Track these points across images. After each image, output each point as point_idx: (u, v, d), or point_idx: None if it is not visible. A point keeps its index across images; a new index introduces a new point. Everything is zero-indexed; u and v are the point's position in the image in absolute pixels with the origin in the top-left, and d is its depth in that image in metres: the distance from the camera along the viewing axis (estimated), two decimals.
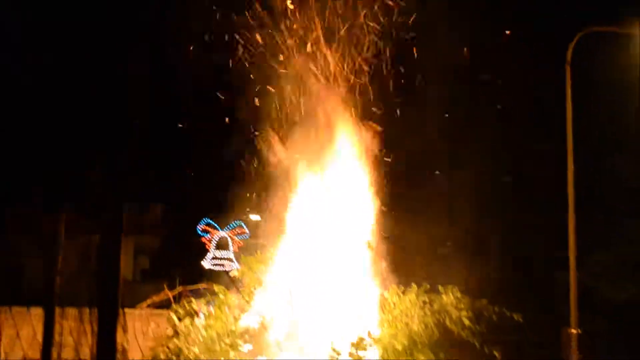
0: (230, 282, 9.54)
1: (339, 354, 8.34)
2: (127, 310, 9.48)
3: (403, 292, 9.58)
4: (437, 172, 15.65)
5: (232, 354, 9.10)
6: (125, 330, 8.72)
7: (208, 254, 35.87)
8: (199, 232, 36.44)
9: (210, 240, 36.59)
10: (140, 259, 36.14)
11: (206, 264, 35.21)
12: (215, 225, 36.56)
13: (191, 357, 8.94)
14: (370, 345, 8.51)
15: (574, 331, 17.06)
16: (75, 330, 14.00)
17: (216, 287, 9.66)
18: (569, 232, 17.44)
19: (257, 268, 9.04)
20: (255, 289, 8.95)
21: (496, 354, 9.28)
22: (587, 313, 17.87)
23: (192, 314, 9.43)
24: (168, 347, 9.06)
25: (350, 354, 8.37)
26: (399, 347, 9.01)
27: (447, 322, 9.31)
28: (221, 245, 35.72)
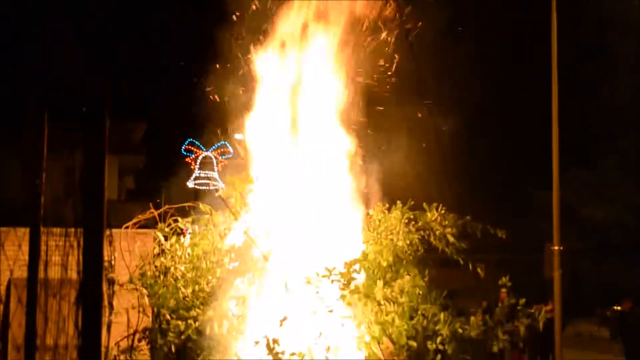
0: (218, 202, 9.50)
1: (330, 272, 8.34)
2: (113, 230, 9.41)
3: (388, 210, 9.61)
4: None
5: (218, 271, 9.15)
6: (111, 250, 8.69)
7: (193, 173, 35.88)
8: (183, 152, 36.43)
9: (194, 160, 36.59)
10: (126, 179, 36.16)
11: (191, 183, 35.32)
12: (200, 145, 36.53)
13: (177, 275, 8.98)
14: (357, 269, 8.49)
15: (556, 248, 17.43)
16: (62, 250, 13.98)
17: (202, 206, 9.62)
18: (552, 149, 17.63)
19: (241, 187, 8.99)
20: (240, 208, 8.92)
21: (480, 270, 9.35)
22: (568, 231, 18.19)
23: (178, 232, 9.43)
24: (155, 266, 9.08)
25: (341, 274, 8.37)
26: (384, 264, 9.09)
27: (432, 239, 9.38)
28: (206, 164, 35.70)
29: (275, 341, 7.55)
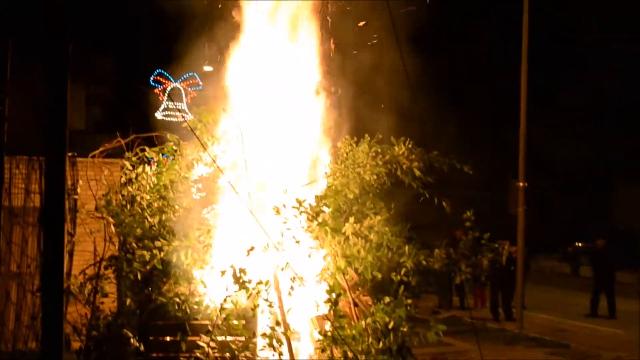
0: (188, 133, 9.40)
1: (301, 203, 8.33)
2: (79, 159, 9.32)
3: (356, 143, 9.59)
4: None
5: (185, 201, 9.11)
6: (73, 175, 8.61)
7: (161, 105, 35.49)
8: (152, 83, 35.95)
9: (163, 91, 36.15)
10: (93, 109, 35.64)
11: (159, 114, 34.95)
12: (168, 76, 36.07)
13: (144, 204, 8.92)
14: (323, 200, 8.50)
15: (520, 184, 17.59)
16: (26, 178, 13.84)
17: (170, 136, 9.52)
18: (520, 85, 17.65)
19: (208, 118, 8.90)
20: (207, 139, 8.84)
21: (445, 205, 9.40)
22: (534, 169, 18.33)
23: (145, 162, 9.34)
24: (122, 194, 9.01)
25: (311, 207, 8.37)
26: (351, 196, 9.11)
27: (399, 173, 9.39)
28: (174, 96, 35.31)
29: (242, 270, 7.56)
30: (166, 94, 35.27)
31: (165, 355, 7.93)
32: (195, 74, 33.10)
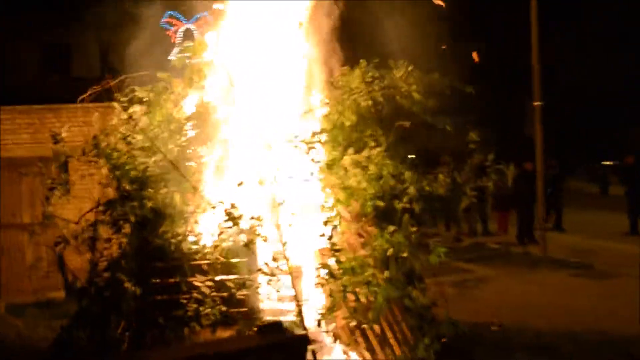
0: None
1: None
2: (71, 105, 9.14)
3: (351, 68, 9.27)
4: None
5: (178, 139, 8.89)
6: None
7: (174, 47, 35.15)
8: (163, 25, 35.57)
9: (175, 33, 35.77)
10: (109, 56, 35.43)
11: (172, 57, 34.60)
12: (180, 17, 35.65)
13: (135, 145, 8.72)
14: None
15: (536, 103, 17.16)
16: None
17: (160, 75, 9.27)
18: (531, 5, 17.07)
19: (196, 54, 8.63)
20: (196, 75, 8.59)
21: (448, 128, 9.12)
22: (552, 89, 17.82)
23: (136, 103, 9.12)
24: (112, 137, 8.81)
25: (305, 142, 8.13)
26: (347, 123, 8.83)
27: (397, 97, 9.07)
28: (187, 37, 34.94)
29: (232, 206, 7.37)
30: (179, 35, 34.89)
31: (166, 297, 7.81)
32: (207, 14, 32.69)
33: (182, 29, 34.92)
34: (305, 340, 6.72)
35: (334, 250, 7.30)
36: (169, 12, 35.36)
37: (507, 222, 20.41)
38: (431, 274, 13.97)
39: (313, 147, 7.93)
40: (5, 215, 13.28)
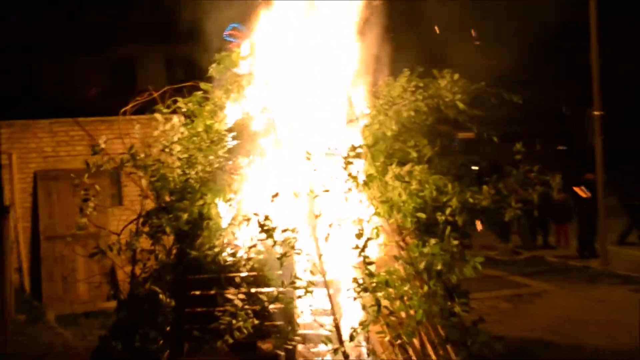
0: None
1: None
2: (112, 117, 9.17)
3: (395, 79, 9.09)
4: None
5: (217, 150, 8.83)
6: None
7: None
8: (227, 38, 35.89)
9: (239, 45, 36.04)
10: (175, 70, 36.01)
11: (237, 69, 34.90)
12: (244, 28, 35.91)
13: (175, 156, 8.68)
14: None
15: (596, 113, 16.64)
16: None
17: (203, 85, 9.25)
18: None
19: (232, 64, 8.58)
20: (233, 86, 8.54)
21: (494, 138, 8.86)
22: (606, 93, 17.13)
23: (186, 114, 9.10)
24: (153, 148, 8.80)
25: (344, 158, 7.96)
26: (389, 133, 8.64)
27: (442, 107, 8.84)
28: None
29: (266, 218, 7.25)
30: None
31: (201, 309, 7.72)
32: (238, 25, 32.87)
33: (246, 41, 35.24)
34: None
35: (366, 263, 7.09)
36: (233, 24, 35.76)
37: (568, 235, 19.82)
38: (483, 288, 13.73)
39: (351, 163, 7.73)
40: (60, 226, 13.45)
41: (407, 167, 8.32)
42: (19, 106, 20.03)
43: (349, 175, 7.68)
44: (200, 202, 8.07)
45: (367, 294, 7.08)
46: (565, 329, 11.32)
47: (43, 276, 13.84)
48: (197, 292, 7.77)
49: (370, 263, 7.16)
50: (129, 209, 9.25)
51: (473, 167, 9.15)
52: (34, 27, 26.52)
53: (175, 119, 8.82)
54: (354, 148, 7.82)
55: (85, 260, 13.31)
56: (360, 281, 7.16)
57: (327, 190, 7.74)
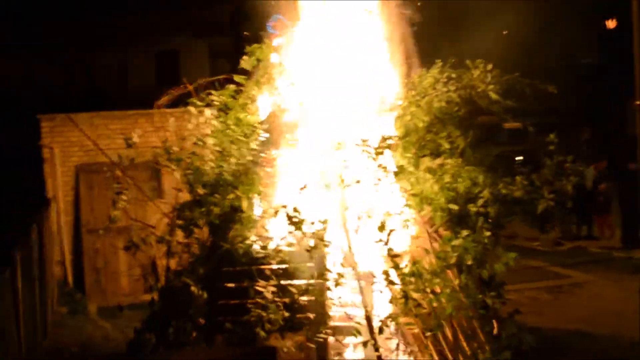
0: None
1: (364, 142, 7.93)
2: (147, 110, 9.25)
3: (427, 70, 9.03)
4: None
5: (250, 142, 8.86)
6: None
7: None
8: (269, 30, 35.93)
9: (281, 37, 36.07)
10: (220, 62, 36.22)
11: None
12: (286, 20, 35.90)
13: (212, 147, 8.72)
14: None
15: (638, 102, 16.24)
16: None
17: (236, 77, 9.26)
18: None
19: (264, 56, 8.61)
20: (264, 78, 8.56)
21: (530, 128, 8.77)
22: None
23: (221, 108, 9.14)
24: (188, 141, 8.87)
25: (375, 149, 7.93)
26: (420, 124, 8.60)
27: (474, 97, 8.76)
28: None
29: (295, 210, 7.27)
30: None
31: (233, 302, 7.78)
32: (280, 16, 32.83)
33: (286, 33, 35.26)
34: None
35: (391, 256, 7.08)
36: (276, 16, 35.78)
37: (613, 225, 19.46)
38: (524, 279, 13.60)
39: (381, 153, 7.71)
40: (102, 219, 13.59)
41: (439, 160, 8.28)
42: (63, 98, 20.26)
43: (379, 166, 7.67)
44: (232, 195, 8.11)
45: (396, 286, 7.07)
46: (604, 320, 11.16)
47: (85, 269, 14.02)
48: (230, 285, 7.82)
49: (396, 255, 7.14)
50: (170, 202, 9.32)
51: (517, 158, 9.04)
52: (80, 20, 26.76)
53: (208, 112, 8.86)
54: (384, 139, 7.80)
55: (126, 253, 13.45)
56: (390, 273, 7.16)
57: (358, 181, 7.73)
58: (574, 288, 13.96)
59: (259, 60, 8.95)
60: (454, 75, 8.87)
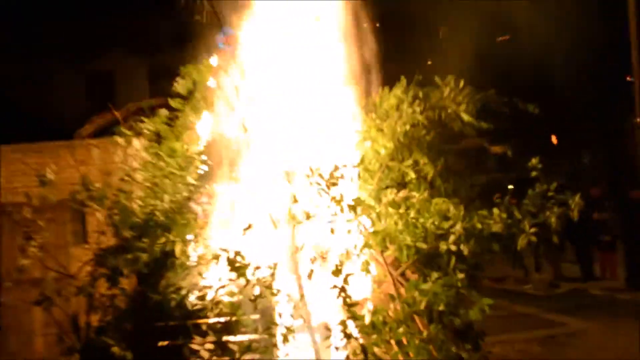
0: None
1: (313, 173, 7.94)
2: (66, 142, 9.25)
3: (389, 90, 9.07)
4: None
5: (188, 176, 8.85)
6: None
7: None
8: (220, 46, 36.09)
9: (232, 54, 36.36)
10: (161, 83, 36.27)
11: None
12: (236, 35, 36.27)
13: (141, 182, 8.70)
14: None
15: (639, 120, 16.52)
16: None
17: (172, 102, 9.26)
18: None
19: (201, 77, 8.65)
20: (202, 101, 8.60)
21: (508, 152, 8.84)
22: None
23: (142, 135, 9.13)
24: (112, 176, 8.84)
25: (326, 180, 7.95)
26: (382, 151, 8.63)
27: (443, 118, 8.79)
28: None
29: (237, 253, 7.25)
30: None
31: None
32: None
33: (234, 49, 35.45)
34: None
35: (347, 305, 7.08)
36: (226, 30, 35.98)
37: (616, 264, 19.66)
38: (514, 329, 13.65)
39: (335, 184, 7.72)
40: (12, 268, 13.36)
41: (404, 192, 8.29)
42: None
43: (332, 199, 7.67)
44: (163, 239, 8.06)
45: (355, 340, 7.06)
46: None
47: None
48: (161, 343, 7.76)
49: (354, 304, 7.14)
50: (92, 248, 9.26)
51: (509, 186, 9.05)
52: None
53: (137, 142, 8.84)
54: (337, 168, 7.80)
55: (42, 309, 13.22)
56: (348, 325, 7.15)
57: (309, 217, 7.72)
58: (570, 338, 14.03)
59: (195, 83, 8.95)
60: (420, 95, 8.91)
